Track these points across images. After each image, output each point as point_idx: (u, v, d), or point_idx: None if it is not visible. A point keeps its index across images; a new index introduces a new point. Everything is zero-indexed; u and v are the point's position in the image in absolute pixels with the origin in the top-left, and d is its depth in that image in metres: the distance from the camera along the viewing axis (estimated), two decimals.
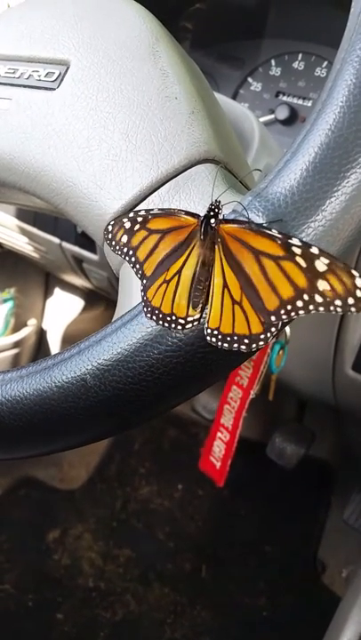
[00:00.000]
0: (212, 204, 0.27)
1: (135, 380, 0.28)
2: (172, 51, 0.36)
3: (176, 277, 0.28)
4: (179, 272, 0.28)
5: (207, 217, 0.27)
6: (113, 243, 0.30)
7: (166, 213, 0.29)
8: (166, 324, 0.27)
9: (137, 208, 0.32)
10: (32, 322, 1.16)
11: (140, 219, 0.29)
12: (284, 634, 1.00)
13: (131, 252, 0.29)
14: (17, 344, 1.11)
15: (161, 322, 0.27)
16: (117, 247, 0.30)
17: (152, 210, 0.29)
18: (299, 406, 1.08)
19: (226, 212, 0.28)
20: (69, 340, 1.17)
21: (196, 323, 0.27)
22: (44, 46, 0.39)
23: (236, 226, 0.26)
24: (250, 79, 0.74)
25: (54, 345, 1.19)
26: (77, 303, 1.16)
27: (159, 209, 0.29)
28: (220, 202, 0.27)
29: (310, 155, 0.25)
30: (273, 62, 0.73)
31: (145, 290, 0.28)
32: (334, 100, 0.26)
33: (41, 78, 0.38)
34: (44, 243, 0.88)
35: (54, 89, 0.38)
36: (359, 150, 0.25)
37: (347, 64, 0.26)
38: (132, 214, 0.29)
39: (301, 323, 0.64)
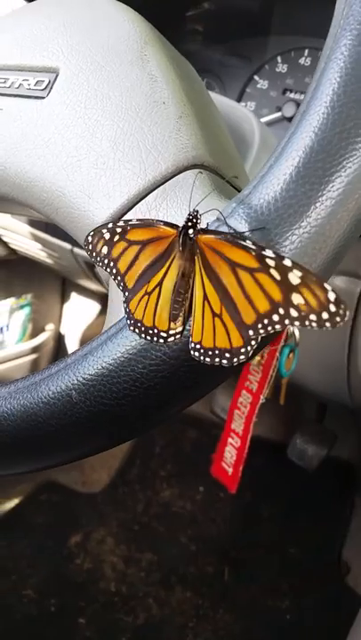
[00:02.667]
0: (190, 214, 0.26)
1: (120, 395, 0.27)
2: (162, 54, 0.36)
3: (157, 289, 0.27)
4: (160, 284, 0.27)
5: (185, 227, 0.26)
6: (94, 254, 0.29)
7: (145, 224, 0.28)
8: (149, 337, 0.27)
9: (124, 218, 0.32)
10: (50, 327, 1.16)
11: (119, 229, 0.28)
12: (308, 636, 0.99)
13: (112, 264, 0.29)
14: (35, 349, 1.11)
15: (143, 335, 0.27)
16: (98, 258, 0.29)
17: (130, 220, 0.28)
18: (319, 407, 1.06)
19: (211, 218, 0.27)
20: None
21: (178, 336, 0.26)
22: (34, 54, 0.39)
23: (213, 237, 0.25)
24: (256, 77, 0.73)
25: (72, 349, 1.19)
26: (94, 307, 1.16)
27: (137, 219, 0.28)
28: (198, 211, 0.26)
29: (293, 159, 0.24)
30: (279, 59, 0.72)
31: (127, 302, 0.28)
32: (318, 101, 0.25)
33: (31, 87, 0.38)
34: (56, 249, 0.88)
35: (44, 97, 0.37)
36: (344, 153, 0.24)
37: (331, 62, 0.25)
38: (110, 225, 0.29)
39: None
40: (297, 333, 0.56)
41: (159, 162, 0.31)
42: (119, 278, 0.28)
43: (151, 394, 0.27)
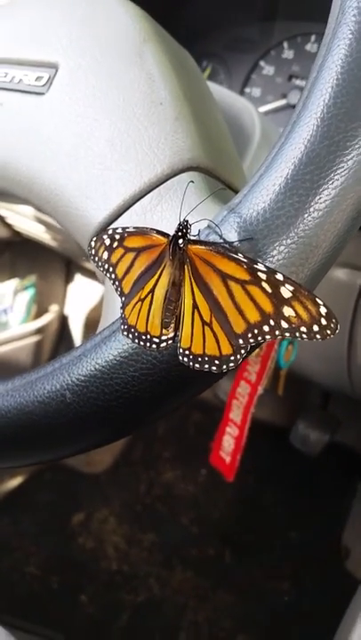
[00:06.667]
0: (180, 224, 0.26)
1: (112, 396, 0.28)
2: (160, 52, 0.36)
3: (150, 296, 0.28)
4: (152, 291, 0.28)
5: (175, 237, 0.26)
6: (96, 258, 0.30)
7: (139, 232, 0.28)
8: (142, 343, 0.27)
9: (120, 219, 0.32)
10: (54, 308, 1.16)
11: (117, 236, 0.29)
12: (307, 618, 1.01)
13: (111, 269, 0.29)
14: (39, 330, 1.12)
15: (137, 340, 0.27)
16: (100, 263, 0.30)
17: (128, 228, 0.29)
18: (323, 393, 1.07)
19: (204, 223, 0.27)
20: (91, 325, 1.17)
21: (170, 342, 0.27)
22: (34, 48, 0.39)
23: (203, 247, 0.25)
24: (262, 63, 0.72)
25: (76, 331, 1.19)
26: (98, 289, 1.16)
27: (134, 227, 0.29)
28: (187, 221, 0.26)
29: (282, 170, 0.24)
30: (285, 45, 0.71)
31: (123, 307, 0.28)
32: (308, 112, 0.25)
33: (31, 82, 0.38)
34: (59, 231, 0.88)
35: (43, 94, 0.37)
36: (331, 166, 0.24)
37: (323, 71, 0.25)
38: (110, 231, 0.29)
39: None
40: None
41: (155, 164, 0.32)
42: (117, 283, 0.29)
43: (142, 396, 0.27)
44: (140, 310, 0.28)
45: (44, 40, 0.39)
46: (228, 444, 0.60)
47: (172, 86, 0.34)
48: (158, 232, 0.28)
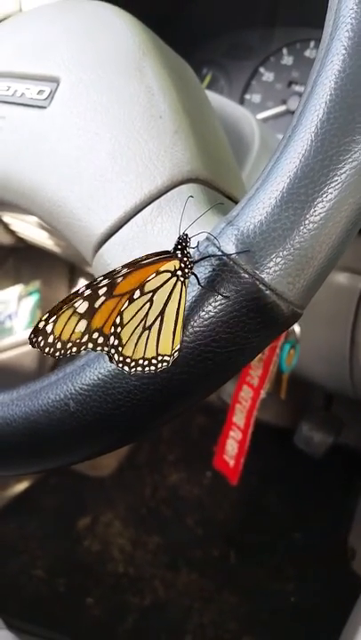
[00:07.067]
0: (179, 238, 0.27)
1: (115, 405, 0.28)
2: (159, 65, 0.36)
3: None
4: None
5: (175, 250, 0.27)
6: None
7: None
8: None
9: (121, 230, 0.33)
10: None
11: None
12: (312, 619, 1.01)
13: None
14: None
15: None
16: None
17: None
18: (326, 394, 1.07)
19: (203, 235, 0.28)
20: None
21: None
22: (36, 62, 0.40)
23: None
24: (261, 69, 0.73)
25: None
26: None
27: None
28: (187, 235, 0.27)
29: (278, 184, 0.25)
30: (285, 51, 0.72)
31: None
32: (302, 128, 0.25)
33: (33, 96, 0.39)
34: (63, 237, 0.88)
35: (45, 107, 0.38)
36: (325, 180, 0.24)
37: (317, 87, 0.26)
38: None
39: (314, 319, 0.63)
40: (297, 330, 0.57)
41: (155, 176, 0.32)
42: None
43: (144, 405, 0.28)
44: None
45: (45, 54, 0.40)
46: (232, 447, 0.61)
47: (171, 99, 0.35)
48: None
